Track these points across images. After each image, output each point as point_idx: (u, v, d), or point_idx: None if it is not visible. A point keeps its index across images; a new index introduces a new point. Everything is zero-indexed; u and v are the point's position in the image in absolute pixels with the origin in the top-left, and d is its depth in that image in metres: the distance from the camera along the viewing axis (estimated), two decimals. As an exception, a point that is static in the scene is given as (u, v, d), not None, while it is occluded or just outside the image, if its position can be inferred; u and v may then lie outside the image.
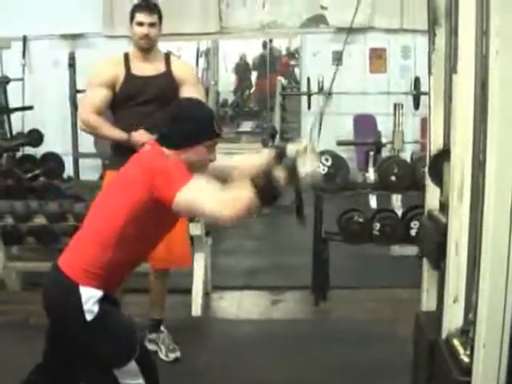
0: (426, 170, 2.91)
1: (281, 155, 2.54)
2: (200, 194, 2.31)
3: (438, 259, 2.62)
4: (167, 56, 3.93)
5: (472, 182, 2.19)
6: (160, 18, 3.82)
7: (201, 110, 2.62)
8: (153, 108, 3.71)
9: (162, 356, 3.80)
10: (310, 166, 2.37)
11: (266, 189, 2.29)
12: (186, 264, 4.12)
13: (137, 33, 3.75)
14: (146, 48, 3.79)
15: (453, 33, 2.46)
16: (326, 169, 4.50)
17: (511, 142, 1.95)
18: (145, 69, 3.80)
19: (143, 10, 3.76)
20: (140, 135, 3.61)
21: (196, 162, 2.50)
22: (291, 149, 2.51)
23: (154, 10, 3.80)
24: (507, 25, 1.88)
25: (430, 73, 2.72)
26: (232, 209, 2.26)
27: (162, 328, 3.92)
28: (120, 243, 2.42)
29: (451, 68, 2.41)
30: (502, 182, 2.01)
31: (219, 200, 2.29)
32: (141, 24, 3.74)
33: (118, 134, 3.72)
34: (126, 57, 3.83)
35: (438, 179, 2.76)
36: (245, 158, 2.91)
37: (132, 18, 3.79)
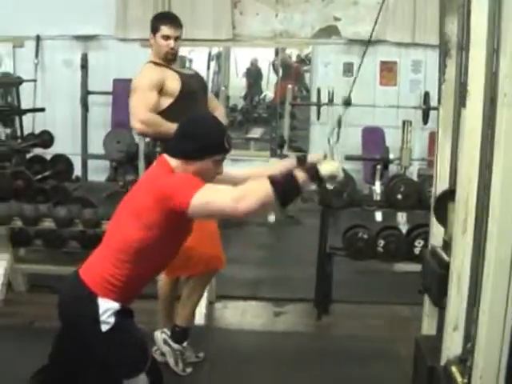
0: (432, 209, 2.95)
1: (302, 163, 2.64)
2: (213, 194, 2.37)
3: (440, 295, 2.64)
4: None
5: (476, 217, 2.22)
6: (181, 30, 3.86)
7: (213, 124, 2.65)
8: None
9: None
10: (330, 168, 2.42)
11: (283, 184, 2.35)
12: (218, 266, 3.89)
13: (163, 45, 3.77)
14: (171, 60, 3.83)
15: (463, 65, 2.49)
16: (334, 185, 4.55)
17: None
18: None
19: (169, 23, 3.79)
20: None
21: (202, 174, 2.54)
22: (311, 157, 2.64)
23: (179, 23, 3.83)
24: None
25: (439, 103, 2.74)
26: (247, 202, 2.31)
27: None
28: (137, 260, 2.49)
29: (460, 101, 2.44)
30: (504, 221, 2.06)
31: (233, 195, 2.33)
32: (167, 37, 3.76)
33: None
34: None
35: (443, 218, 2.79)
36: (261, 168, 2.96)
37: (156, 29, 3.79)
